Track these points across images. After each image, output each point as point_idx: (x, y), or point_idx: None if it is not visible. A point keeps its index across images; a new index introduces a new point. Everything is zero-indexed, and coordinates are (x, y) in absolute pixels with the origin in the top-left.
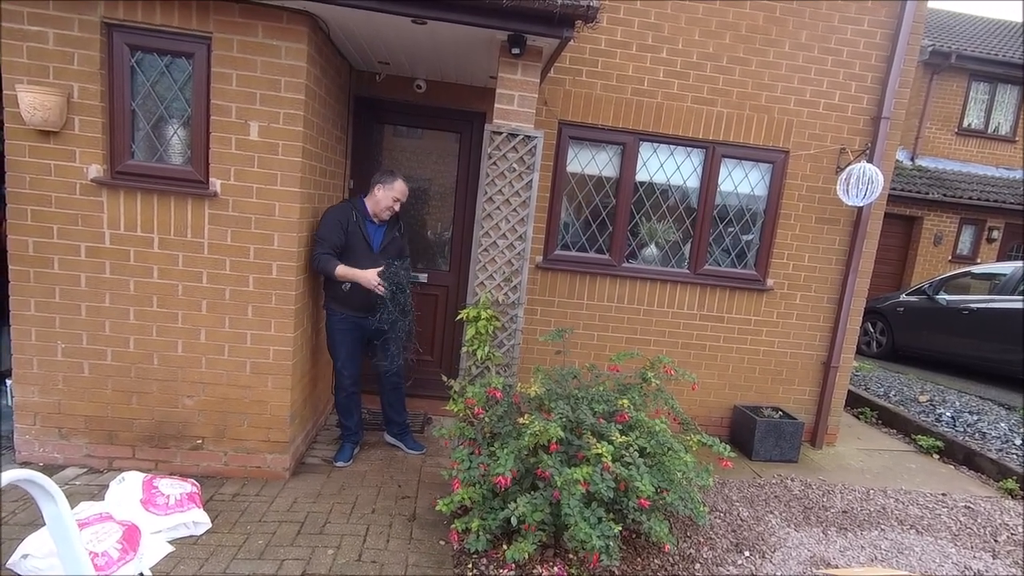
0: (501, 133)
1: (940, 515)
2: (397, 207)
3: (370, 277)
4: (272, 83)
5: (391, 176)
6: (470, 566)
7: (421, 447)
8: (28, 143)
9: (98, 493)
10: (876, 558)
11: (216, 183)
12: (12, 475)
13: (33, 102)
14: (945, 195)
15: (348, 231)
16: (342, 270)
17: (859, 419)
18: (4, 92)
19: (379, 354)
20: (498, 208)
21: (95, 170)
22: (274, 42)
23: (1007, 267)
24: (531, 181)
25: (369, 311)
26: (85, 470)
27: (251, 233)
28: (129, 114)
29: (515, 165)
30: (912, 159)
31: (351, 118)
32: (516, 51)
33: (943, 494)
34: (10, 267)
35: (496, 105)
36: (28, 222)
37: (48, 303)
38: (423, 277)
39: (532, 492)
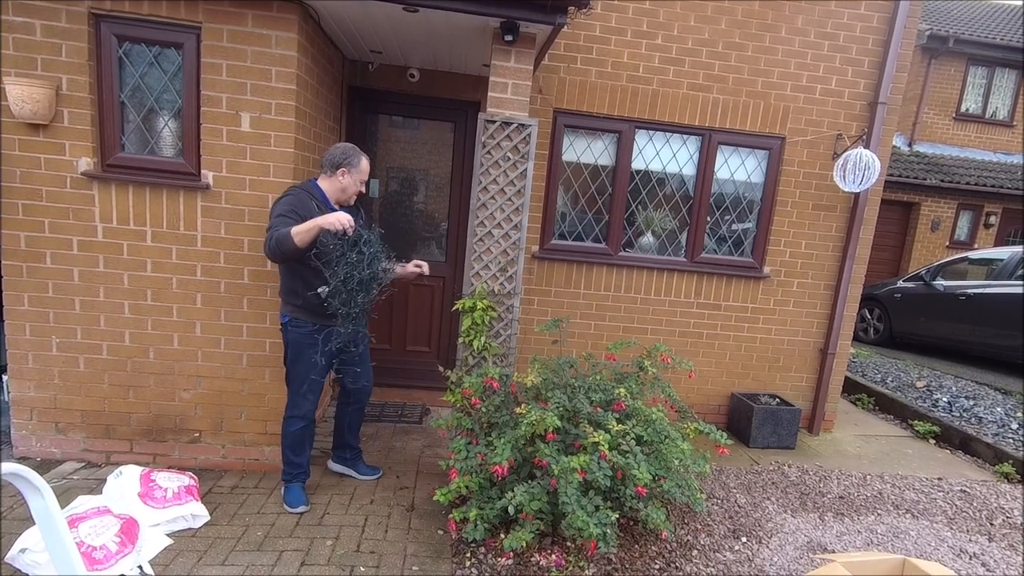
0: (495, 122)
1: (936, 499)
2: (364, 189)
3: (338, 216)
4: (263, 73)
5: (355, 155)
6: (468, 555)
7: (377, 470)
8: (18, 136)
9: (96, 487)
10: (872, 542)
11: (208, 175)
12: None
13: (21, 95)
14: (943, 181)
15: None
16: (297, 227)
17: (856, 405)
18: None
19: (357, 367)
20: (493, 198)
21: (85, 163)
22: (264, 31)
23: (1004, 252)
24: (526, 170)
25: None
26: (83, 464)
27: (245, 225)
28: (118, 106)
29: (510, 154)
30: (909, 145)
31: (344, 108)
32: (509, 38)
33: (939, 479)
34: (2, 262)
35: (489, 93)
36: (19, 216)
37: (42, 298)
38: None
39: (529, 481)
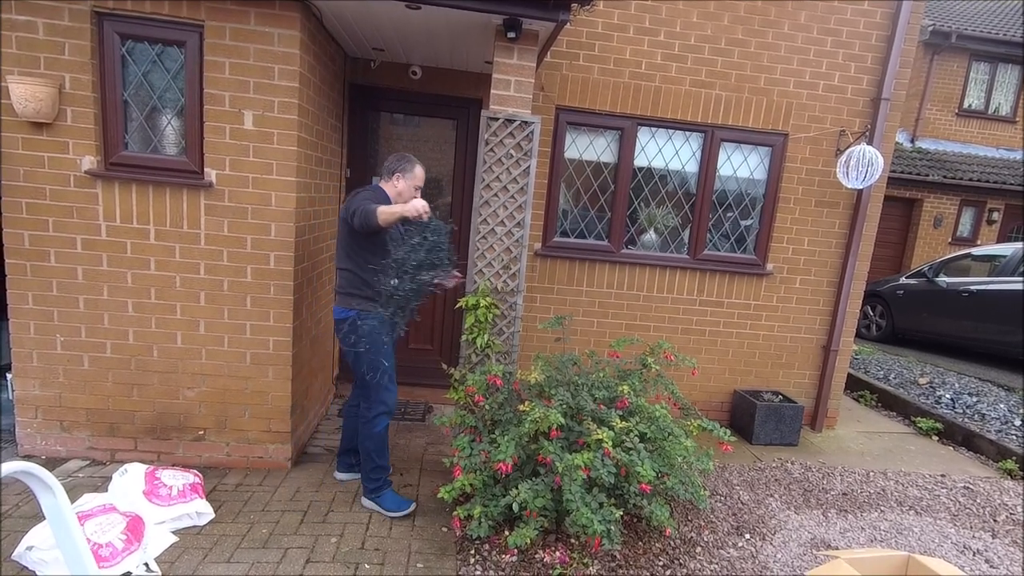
0: (498, 119)
1: (939, 496)
2: (419, 195)
3: (416, 204)
4: (265, 71)
5: (409, 163)
6: (472, 552)
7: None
8: (21, 135)
9: (101, 485)
10: (876, 539)
11: (211, 173)
12: (9, 467)
13: (24, 93)
14: (945, 177)
15: None
16: (384, 208)
17: (859, 402)
18: None
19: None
20: (496, 195)
21: (89, 162)
22: (267, 29)
23: (1007, 248)
24: (529, 167)
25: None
26: (88, 462)
27: (248, 224)
28: (121, 104)
29: (512, 151)
30: (912, 141)
31: (347, 106)
32: (512, 35)
33: (942, 475)
34: (7, 261)
35: (492, 91)
36: (23, 215)
37: (46, 296)
38: None
39: (533, 478)
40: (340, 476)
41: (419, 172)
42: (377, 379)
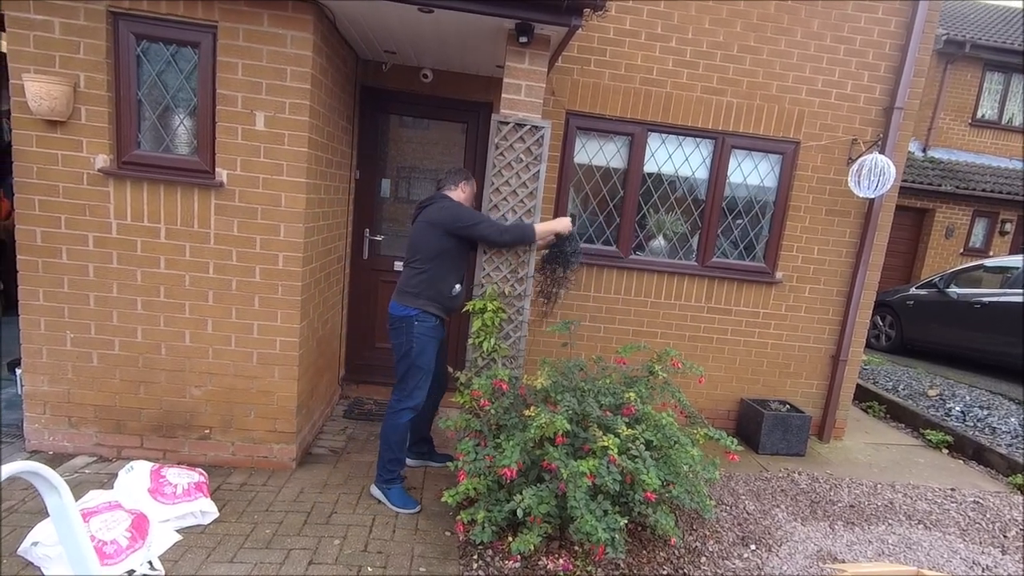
0: (508, 123)
1: (948, 510)
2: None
3: (566, 222)
4: (278, 73)
5: (463, 171)
6: (475, 557)
7: (449, 456)
8: (35, 133)
9: (107, 482)
10: (883, 553)
11: (222, 173)
12: (15, 467)
13: (39, 92)
14: (957, 187)
15: None
16: (540, 227)
17: (867, 413)
18: (11, 82)
19: (445, 358)
20: (505, 199)
21: (102, 160)
22: (280, 31)
23: (1020, 260)
24: (538, 172)
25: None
26: (94, 459)
27: (257, 224)
28: (135, 104)
29: (522, 156)
30: (924, 150)
31: (357, 108)
32: (523, 40)
33: (952, 489)
34: (18, 257)
35: (503, 95)
36: (36, 212)
37: (56, 293)
38: None
39: (538, 484)
40: (410, 462)
41: (473, 178)
42: (416, 379)
